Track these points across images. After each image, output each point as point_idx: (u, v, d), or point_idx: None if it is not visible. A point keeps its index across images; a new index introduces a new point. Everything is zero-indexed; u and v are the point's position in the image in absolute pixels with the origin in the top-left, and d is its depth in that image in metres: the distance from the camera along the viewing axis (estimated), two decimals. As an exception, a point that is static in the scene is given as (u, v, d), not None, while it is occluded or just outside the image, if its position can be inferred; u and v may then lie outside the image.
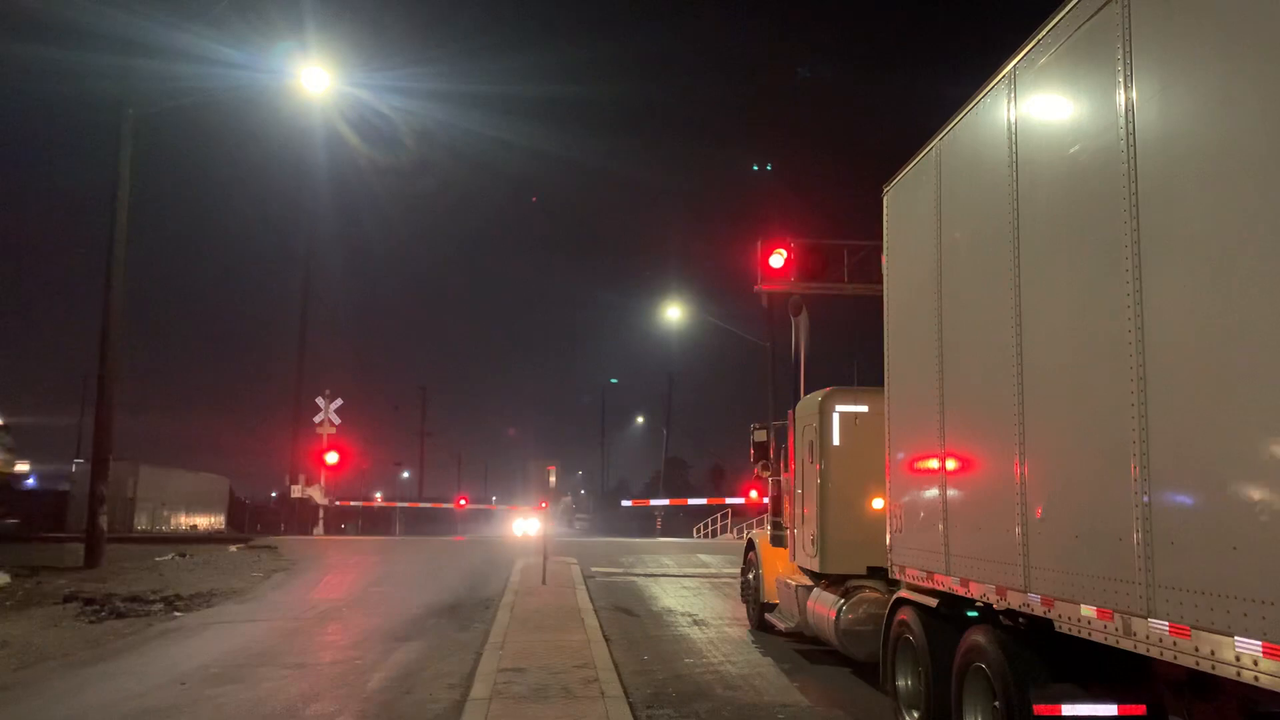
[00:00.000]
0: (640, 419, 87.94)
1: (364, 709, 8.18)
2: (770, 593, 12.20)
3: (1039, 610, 5.19)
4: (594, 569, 19.85)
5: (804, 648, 11.02)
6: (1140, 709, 4.96)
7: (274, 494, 54.39)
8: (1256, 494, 3.54)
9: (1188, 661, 3.92)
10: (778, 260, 15.90)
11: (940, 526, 6.71)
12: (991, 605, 5.85)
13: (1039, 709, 5.15)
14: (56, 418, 58.31)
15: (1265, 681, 3.47)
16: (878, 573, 9.33)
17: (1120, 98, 4.50)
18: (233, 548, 23.92)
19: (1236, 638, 3.60)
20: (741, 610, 13.69)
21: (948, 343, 6.81)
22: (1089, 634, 4.70)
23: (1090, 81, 4.83)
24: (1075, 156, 4.99)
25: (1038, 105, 5.49)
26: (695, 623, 13.33)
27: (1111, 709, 5.04)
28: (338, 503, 29.19)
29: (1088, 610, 4.69)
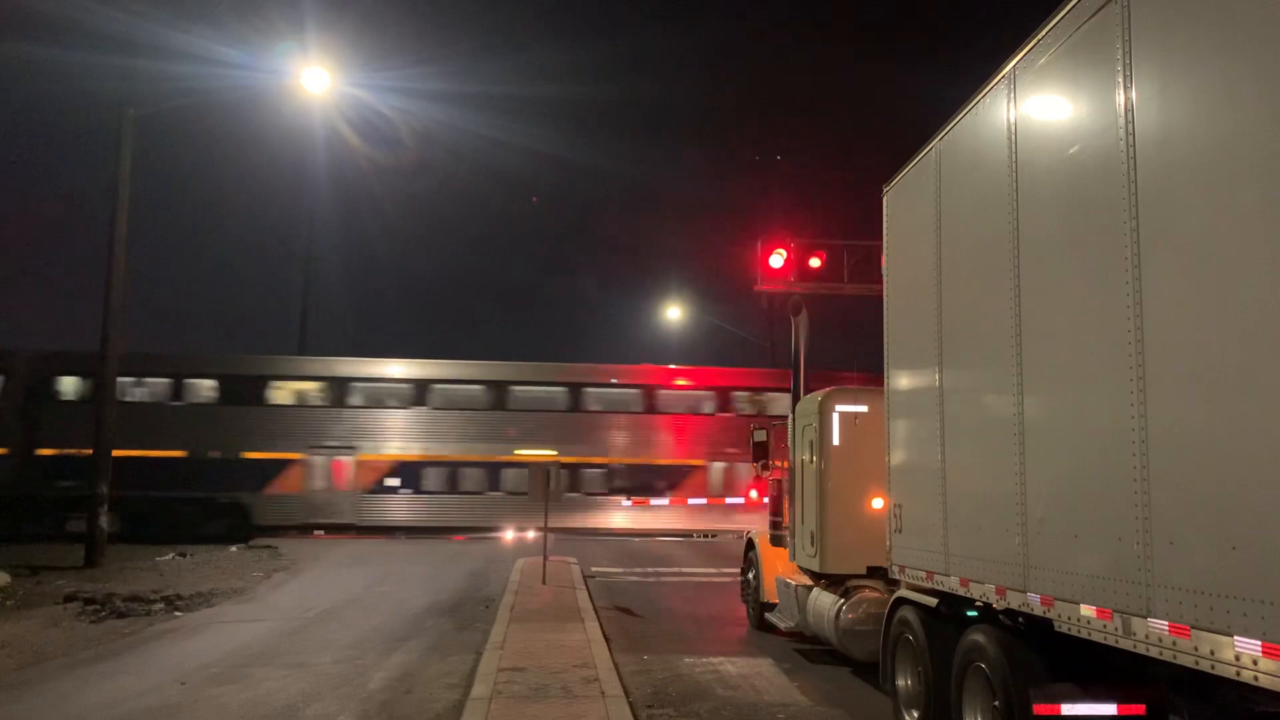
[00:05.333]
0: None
1: (364, 709, 8.18)
2: (770, 592, 12.20)
3: (1038, 610, 5.20)
4: (594, 569, 19.87)
5: (804, 648, 11.03)
6: (1140, 709, 4.96)
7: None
8: (1256, 494, 3.55)
9: (1187, 661, 3.93)
10: (777, 260, 15.90)
11: (940, 526, 6.71)
12: (991, 605, 5.85)
13: (1038, 709, 5.15)
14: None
15: (1265, 681, 3.48)
16: (877, 572, 9.35)
17: (1120, 98, 4.50)
18: (233, 548, 23.89)
19: (1236, 637, 3.61)
20: (741, 610, 13.70)
21: (947, 343, 6.81)
22: (1088, 634, 4.71)
23: (1090, 82, 4.83)
24: (1075, 157, 4.99)
25: (1038, 105, 5.49)
26: (695, 622, 13.34)
27: (1111, 709, 5.05)
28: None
29: (1087, 610, 4.69)
